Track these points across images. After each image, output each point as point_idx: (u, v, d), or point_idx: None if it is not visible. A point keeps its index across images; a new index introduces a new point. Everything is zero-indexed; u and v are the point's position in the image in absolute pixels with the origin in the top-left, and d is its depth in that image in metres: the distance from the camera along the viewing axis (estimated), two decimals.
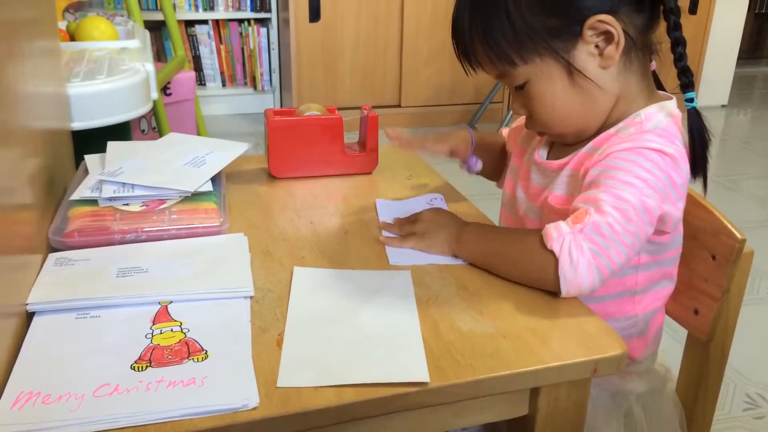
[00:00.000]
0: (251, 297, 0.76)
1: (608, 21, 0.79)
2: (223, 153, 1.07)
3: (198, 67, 3.60)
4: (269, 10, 3.56)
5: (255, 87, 3.69)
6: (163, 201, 0.93)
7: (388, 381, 0.63)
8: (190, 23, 3.53)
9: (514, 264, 0.80)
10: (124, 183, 0.94)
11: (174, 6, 3.30)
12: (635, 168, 0.78)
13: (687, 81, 0.81)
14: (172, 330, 0.70)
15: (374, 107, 1.16)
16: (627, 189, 0.77)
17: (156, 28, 3.35)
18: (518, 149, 1.00)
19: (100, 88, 1.28)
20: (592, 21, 0.79)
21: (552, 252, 0.76)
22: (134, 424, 0.57)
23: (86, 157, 1.04)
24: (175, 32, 2.59)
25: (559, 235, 0.76)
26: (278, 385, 0.62)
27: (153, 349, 0.66)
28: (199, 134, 2.55)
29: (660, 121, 0.82)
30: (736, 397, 1.60)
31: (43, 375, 0.62)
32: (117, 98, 1.31)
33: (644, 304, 0.90)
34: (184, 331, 0.70)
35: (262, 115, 1.16)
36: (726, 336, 0.92)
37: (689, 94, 0.81)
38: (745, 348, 1.29)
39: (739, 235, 0.86)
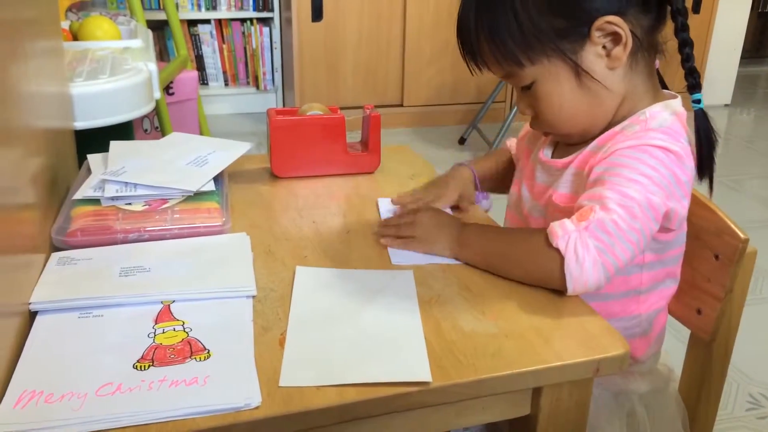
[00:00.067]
0: (253, 296, 0.76)
1: (616, 22, 0.78)
2: (225, 152, 1.07)
3: (200, 66, 3.61)
4: (272, 10, 3.56)
5: (257, 86, 3.69)
6: (165, 200, 0.93)
7: (390, 380, 0.63)
8: (192, 23, 3.53)
9: (518, 264, 0.80)
10: (126, 182, 0.95)
11: (177, 5, 3.30)
12: (640, 165, 0.78)
13: (694, 82, 0.81)
14: (174, 329, 0.70)
15: (376, 107, 1.16)
16: (632, 186, 0.77)
17: (159, 28, 3.35)
18: (525, 150, 1.00)
19: (102, 88, 1.28)
20: (600, 22, 0.79)
21: (557, 250, 0.76)
22: (137, 423, 0.57)
23: (89, 156, 1.04)
24: (178, 32, 2.59)
25: (564, 233, 0.76)
26: (280, 385, 0.62)
27: (155, 349, 0.66)
28: (201, 134, 2.55)
29: (665, 119, 0.82)
30: (739, 397, 1.59)
31: (46, 374, 0.63)
32: (120, 98, 1.31)
33: (648, 303, 0.90)
34: (186, 330, 0.70)
35: (265, 114, 1.16)
36: (729, 336, 0.92)
37: (696, 95, 0.81)
38: (748, 348, 1.29)
39: (742, 235, 0.86)
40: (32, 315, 0.72)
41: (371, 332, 0.70)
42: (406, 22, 3.35)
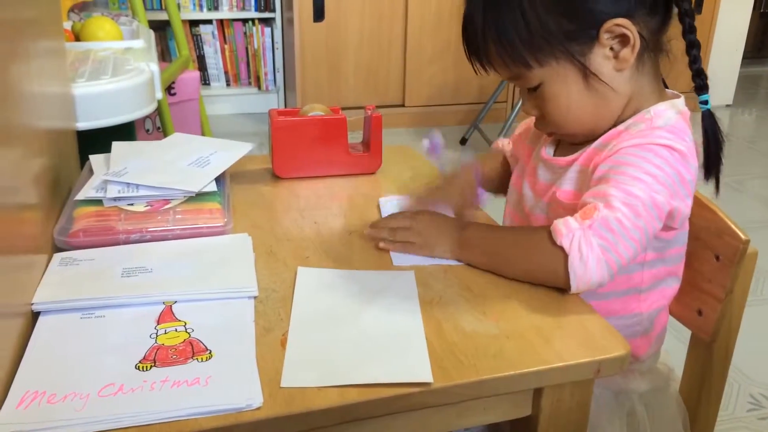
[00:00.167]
0: (255, 297, 0.76)
1: (625, 25, 0.79)
2: (227, 153, 1.07)
3: (202, 66, 3.61)
4: (273, 10, 3.56)
5: (259, 87, 3.69)
6: (167, 201, 0.93)
7: (391, 381, 0.63)
8: (194, 23, 3.53)
9: (521, 263, 0.81)
10: (128, 183, 0.95)
11: (178, 6, 3.30)
12: (645, 164, 0.78)
13: (702, 83, 0.81)
14: (176, 330, 0.70)
15: (378, 107, 1.16)
16: (636, 185, 0.77)
17: (160, 28, 3.35)
18: (527, 149, 1.00)
19: (104, 88, 1.28)
20: (609, 24, 0.79)
21: (561, 248, 0.76)
22: (139, 423, 0.57)
23: (91, 157, 1.05)
24: (180, 32, 2.59)
25: (568, 231, 0.76)
26: (282, 385, 0.62)
27: (157, 349, 0.66)
28: (203, 134, 2.55)
29: (670, 117, 0.82)
30: (740, 397, 1.59)
31: (49, 375, 0.63)
32: (122, 98, 1.32)
33: (649, 302, 0.90)
34: (188, 331, 0.70)
35: (266, 114, 1.16)
36: (730, 336, 0.92)
37: (704, 97, 0.81)
38: (749, 348, 1.29)
39: (743, 236, 0.86)
40: (35, 315, 0.72)
41: (372, 333, 0.71)
42: (407, 21, 3.35)
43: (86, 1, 2.11)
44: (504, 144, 1.09)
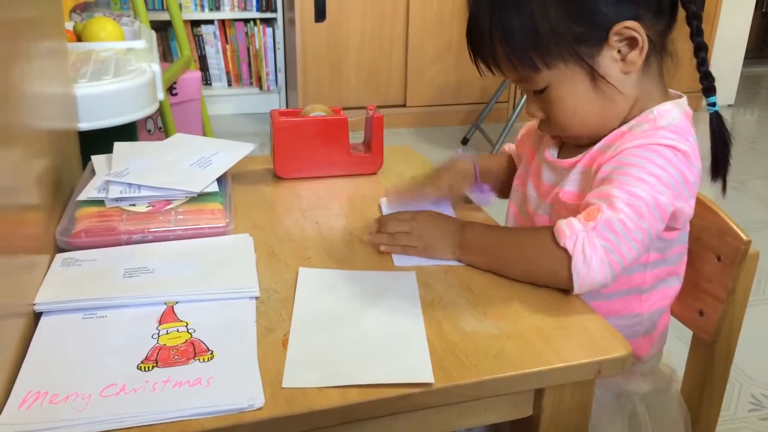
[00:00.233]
0: (257, 297, 0.76)
1: (634, 27, 0.78)
2: (228, 153, 1.07)
3: (204, 66, 3.61)
4: (275, 10, 3.56)
5: (261, 87, 3.69)
6: (169, 201, 0.94)
7: (392, 382, 0.63)
8: (196, 23, 3.53)
9: (523, 264, 0.81)
10: (130, 183, 0.95)
11: (180, 6, 3.30)
12: (648, 165, 0.78)
13: (709, 85, 0.81)
14: (178, 330, 0.70)
15: (379, 107, 1.16)
16: (640, 185, 0.77)
17: (162, 28, 3.35)
18: (530, 149, 1.00)
19: (106, 89, 1.29)
20: (618, 27, 0.79)
21: (565, 249, 0.76)
22: (141, 424, 0.57)
23: (93, 157, 1.05)
24: (181, 32, 2.59)
25: (572, 232, 0.76)
26: (283, 386, 0.62)
27: (159, 350, 0.67)
28: (204, 134, 2.55)
29: (673, 117, 0.82)
30: (742, 397, 1.59)
31: (51, 375, 0.63)
32: (123, 99, 1.32)
33: (650, 302, 0.90)
34: (190, 331, 0.70)
35: (268, 114, 1.16)
36: (731, 337, 0.92)
37: (711, 99, 0.81)
38: (750, 349, 1.29)
39: (744, 237, 0.86)
40: (37, 316, 0.72)
41: (374, 333, 0.71)
42: (409, 21, 3.36)
43: (88, 1, 2.11)
44: (510, 147, 1.09)
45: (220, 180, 1.00)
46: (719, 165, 0.82)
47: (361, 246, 0.90)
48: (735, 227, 0.87)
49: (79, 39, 1.71)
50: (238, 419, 0.58)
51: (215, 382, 0.62)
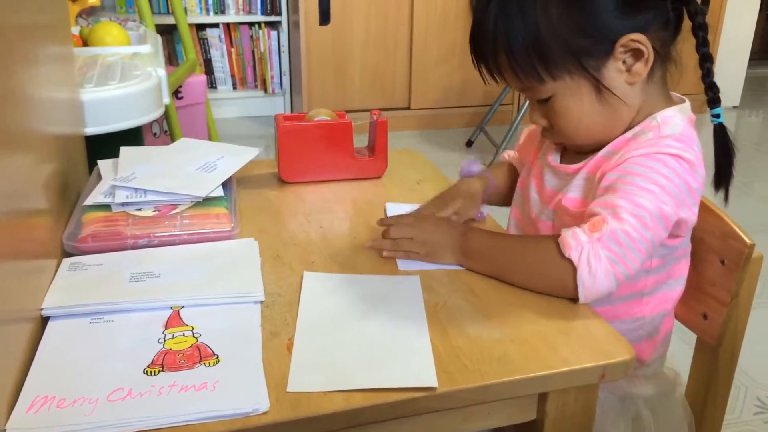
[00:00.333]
0: (262, 302, 0.77)
1: (640, 40, 0.79)
2: (233, 158, 1.07)
3: (209, 70, 3.62)
4: (279, 14, 3.57)
5: (265, 90, 3.70)
6: (174, 206, 0.94)
7: (396, 386, 0.63)
8: (201, 27, 3.54)
9: (527, 273, 0.81)
10: (136, 188, 0.95)
11: (185, 10, 3.31)
12: (653, 174, 0.78)
13: (714, 96, 0.82)
14: (184, 335, 0.70)
15: (384, 109, 1.17)
16: (645, 195, 0.77)
17: (167, 32, 3.36)
18: (532, 151, 1.00)
19: (113, 94, 1.29)
20: (624, 39, 0.79)
21: (570, 261, 0.76)
22: (147, 428, 0.58)
23: (99, 162, 1.05)
24: (187, 36, 2.60)
25: (577, 244, 0.76)
26: (288, 390, 0.63)
27: (165, 354, 0.67)
28: (210, 137, 2.56)
29: (677, 124, 0.82)
30: (747, 401, 1.59)
31: (58, 379, 0.64)
32: (130, 103, 1.32)
33: (652, 305, 0.90)
34: (195, 335, 0.70)
35: (273, 117, 1.17)
36: (735, 340, 0.92)
37: (716, 110, 0.82)
38: (755, 352, 1.29)
39: (748, 240, 0.86)
40: (44, 320, 0.73)
41: (378, 338, 0.71)
42: (413, 24, 3.36)
43: (94, 6, 2.12)
44: (510, 155, 1.09)
45: (225, 184, 1.00)
46: (722, 176, 0.83)
47: (365, 250, 0.90)
48: (738, 231, 0.87)
49: (85, 44, 1.72)
50: (243, 423, 0.59)
51: (221, 386, 0.63)
